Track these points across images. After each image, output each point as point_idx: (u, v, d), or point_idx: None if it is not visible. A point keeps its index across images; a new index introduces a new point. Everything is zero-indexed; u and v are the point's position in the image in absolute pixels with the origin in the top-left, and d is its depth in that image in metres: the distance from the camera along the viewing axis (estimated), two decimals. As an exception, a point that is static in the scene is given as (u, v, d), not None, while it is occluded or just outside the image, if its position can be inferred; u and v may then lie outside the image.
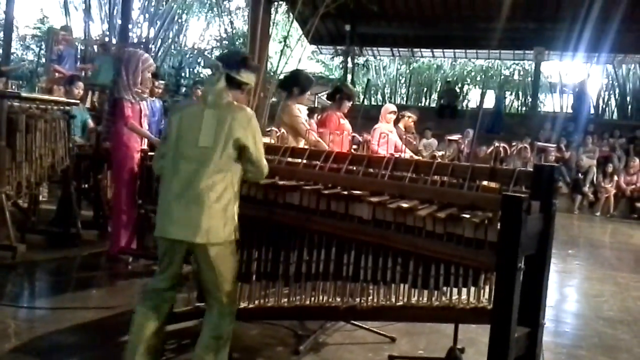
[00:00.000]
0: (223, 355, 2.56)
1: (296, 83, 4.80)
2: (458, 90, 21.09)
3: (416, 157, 5.58)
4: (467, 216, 2.22)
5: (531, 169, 2.39)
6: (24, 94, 5.17)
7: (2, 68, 8.29)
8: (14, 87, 8.63)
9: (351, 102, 5.42)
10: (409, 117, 6.79)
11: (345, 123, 5.26)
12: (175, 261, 2.58)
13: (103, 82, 8.71)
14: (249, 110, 2.56)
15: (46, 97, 5.74)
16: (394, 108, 6.29)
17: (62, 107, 5.30)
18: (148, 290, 2.68)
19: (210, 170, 2.44)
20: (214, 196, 2.43)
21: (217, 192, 2.44)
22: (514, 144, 3.08)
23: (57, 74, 8.96)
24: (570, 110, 18.19)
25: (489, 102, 19.75)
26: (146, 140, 4.88)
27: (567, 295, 5.32)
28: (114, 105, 4.77)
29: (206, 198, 2.42)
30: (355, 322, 3.59)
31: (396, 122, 6.77)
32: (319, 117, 6.29)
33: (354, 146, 5.83)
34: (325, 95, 5.21)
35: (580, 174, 12.62)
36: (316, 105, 13.47)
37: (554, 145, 12.65)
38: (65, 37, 9.71)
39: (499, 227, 2.14)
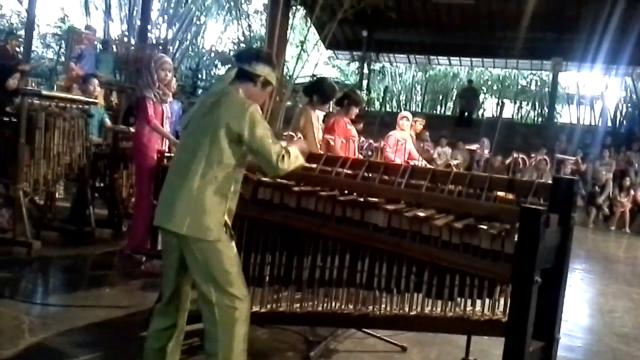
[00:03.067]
0: None
1: (318, 90, 4.80)
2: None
3: (430, 166, 5.57)
4: (485, 227, 2.20)
5: (549, 181, 2.37)
6: (44, 92, 5.22)
7: (19, 67, 8.34)
8: (33, 84, 8.75)
9: (358, 109, 5.41)
10: (416, 120, 6.76)
11: (352, 129, 5.25)
12: (171, 262, 2.46)
13: (104, 80, 8.84)
14: (245, 99, 2.42)
15: (66, 95, 5.80)
16: (407, 114, 6.24)
17: (81, 106, 5.35)
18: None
19: (200, 159, 2.34)
20: (198, 187, 2.32)
21: (202, 183, 2.32)
22: (532, 155, 3.05)
23: (73, 72, 9.05)
24: (587, 122, 18.05)
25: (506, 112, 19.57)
26: (167, 141, 4.89)
27: (580, 309, 5.25)
28: (137, 105, 4.80)
29: (188, 187, 2.33)
30: (367, 330, 3.57)
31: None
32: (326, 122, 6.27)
33: (369, 152, 5.81)
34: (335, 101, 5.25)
35: (597, 187, 12.48)
36: (331, 111, 13.49)
37: (574, 158, 12.55)
38: (88, 37, 9.80)
39: (516, 239, 2.13)
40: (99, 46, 10.80)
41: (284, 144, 2.44)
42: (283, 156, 2.38)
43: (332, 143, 4.83)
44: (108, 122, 6.53)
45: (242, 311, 2.38)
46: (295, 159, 2.45)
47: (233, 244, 2.44)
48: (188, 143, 2.46)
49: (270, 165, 2.38)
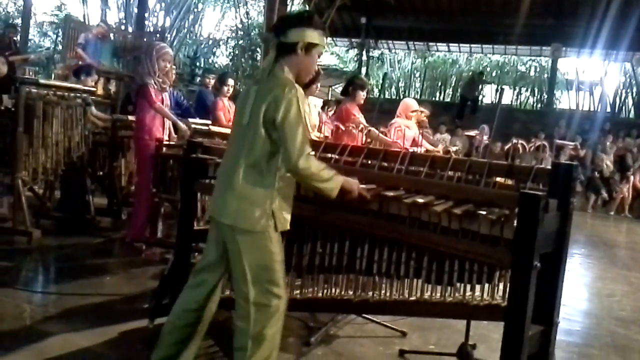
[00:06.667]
0: None
1: None
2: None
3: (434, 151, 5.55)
4: (484, 213, 2.20)
5: (549, 167, 2.37)
6: (41, 81, 5.20)
7: (10, 58, 8.14)
8: (31, 73, 8.70)
9: (365, 92, 5.37)
10: (422, 111, 6.73)
11: (361, 117, 5.23)
12: (213, 245, 2.44)
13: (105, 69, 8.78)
14: (290, 84, 2.26)
15: (63, 84, 5.77)
16: (416, 106, 6.08)
17: (79, 95, 5.33)
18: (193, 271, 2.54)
19: (246, 149, 2.29)
20: (243, 177, 2.27)
21: (247, 172, 2.27)
22: (531, 141, 3.04)
23: (79, 60, 8.97)
24: (586, 108, 18.00)
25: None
26: (167, 129, 4.87)
27: (579, 294, 5.28)
28: (138, 92, 4.79)
29: (235, 177, 2.28)
30: (367, 316, 3.60)
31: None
32: (333, 110, 6.25)
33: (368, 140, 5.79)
34: (340, 91, 5.19)
35: (596, 173, 12.51)
36: (330, 98, 13.45)
37: (573, 143, 12.56)
38: (99, 30, 9.64)
39: (515, 224, 2.13)
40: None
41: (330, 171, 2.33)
42: (308, 155, 2.24)
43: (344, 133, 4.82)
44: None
45: (278, 309, 2.33)
46: (324, 178, 2.30)
47: (278, 237, 2.34)
48: (236, 131, 2.41)
49: (290, 157, 2.22)
